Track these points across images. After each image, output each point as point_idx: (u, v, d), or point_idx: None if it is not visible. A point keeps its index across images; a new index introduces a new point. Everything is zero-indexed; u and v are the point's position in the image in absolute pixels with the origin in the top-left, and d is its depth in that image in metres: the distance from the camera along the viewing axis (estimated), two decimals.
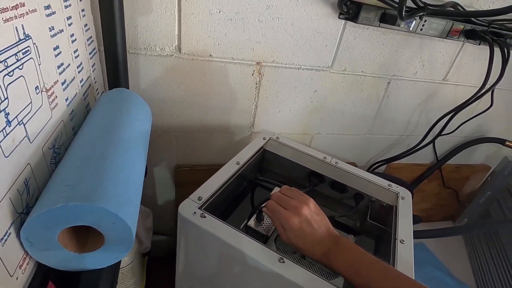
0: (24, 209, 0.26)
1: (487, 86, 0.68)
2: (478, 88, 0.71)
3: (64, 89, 0.35)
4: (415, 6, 0.58)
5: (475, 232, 1.02)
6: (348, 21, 0.65)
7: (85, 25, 0.44)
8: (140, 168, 0.35)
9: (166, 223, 0.85)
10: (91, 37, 0.47)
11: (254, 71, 0.67)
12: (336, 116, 0.80)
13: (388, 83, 0.78)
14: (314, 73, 0.71)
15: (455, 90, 0.85)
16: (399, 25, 0.61)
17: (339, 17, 0.64)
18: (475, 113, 0.83)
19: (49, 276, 0.28)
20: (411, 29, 0.62)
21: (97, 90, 0.50)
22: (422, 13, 0.58)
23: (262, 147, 0.65)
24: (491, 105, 0.77)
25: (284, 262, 0.39)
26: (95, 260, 0.29)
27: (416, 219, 0.97)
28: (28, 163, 0.27)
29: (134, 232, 0.29)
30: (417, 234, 0.83)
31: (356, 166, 0.93)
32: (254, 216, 0.49)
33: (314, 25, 0.64)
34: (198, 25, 0.58)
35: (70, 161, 0.30)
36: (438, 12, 0.60)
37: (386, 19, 0.62)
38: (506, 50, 0.66)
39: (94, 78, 0.49)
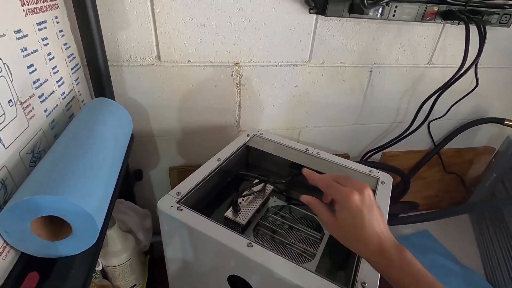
0: (2, 205, 0.30)
1: (466, 65, 0.67)
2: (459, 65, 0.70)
3: (42, 102, 0.40)
4: None
5: (475, 211, 0.99)
6: (319, 15, 0.67)
7: (65, 44, 0.49)
8: (110, 166, 0.39)
9: None
10: (72, 54, 0.52)
11: (233, 72, 0.70)
12: (320, 108, 0.82)
13: (370, 71, 0.79)
14: (293, 69, 0.73)
15: (442, 73, 0.84)
16: (367, 14, 0.63)
17: (309, 12, 0.66)
18: (464, 94, 0.82)
19: (31, 262, 0.32)
20: (378, 16, 0.63)
21: (82, 101, 0.55)
22: (387, 0, 0.59)
23: (245, 143, 0.67)
24: (477, 84, 0.75)
25: (252, 246, 0.42)
26: (67, 248, 0.32)
27: (413, 205, 0.96)
28: (4, 166, 0.31)
29: (99, 221, 0.32)
30: (413, 219, 0.83)
31: (348, 157, 0.94)
32: (231, 207, 0.51)
33: (285, 22, 0.66)
34: (173, 34, 0.62)
35: (44, 162, 0.34)
36: None
37: (354, 9, 0.63)
38: (482, 27, 0.65)
39: (79, 91, 0.54)
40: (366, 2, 0.55)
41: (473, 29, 0.68)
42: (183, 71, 0.67)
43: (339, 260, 0.49)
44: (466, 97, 0.82)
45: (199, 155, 0.80)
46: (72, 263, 0.33)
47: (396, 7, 0.65)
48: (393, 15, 0.66)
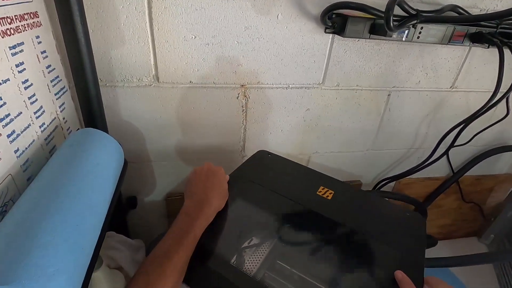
0: None
1: (499, 94, 0.60)
2: (492, 93, 0.63)
3: (11, 141, 0.33)
4: (406, 14, 0.53)
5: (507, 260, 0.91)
6: (336, 35, 0.60)
7: (48, 66, 0.43)
8: (92, 221, 0.32)
9: None
10: (57, 76, 0.46)
11: (239, 94, 0.63)
12: (333, 133, 0.75)
13: (388, 95, 0.72)
14: (305, 91, 0.67)
15: (466, 97, 0.77)
16: (390, 36, 0.56)
17: (325, 32, 0.59)
18: (492, 122, 0.75)
19: None
20: (404, 39, 0.56)
21: (68, 129, 0.49)
22: (414, 22, 0.52)
23: None
24: (507, 113, 0.69)
25: None
26: None
27: (430, 242, 0.88)
28: None
29: None
30: (436, 262, 0.75)
31: (361, 184, 0.87)
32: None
33: (298, 42, 0.60)
34: (174, 52, 0.56)
35: (4, 225, 0.27)
36: (434, 19, 0.55)
37: (376, 30, 0.56)
38: None
39: (64, 118, 0.47)
40: (391, 24, 0.49)
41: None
42: (184, 93, 0.60)
43: None
44: (492, 125, 0.75)
45: None
46: None
47: (422, 28, 0.59)
48: (418, 37, 0.60)
